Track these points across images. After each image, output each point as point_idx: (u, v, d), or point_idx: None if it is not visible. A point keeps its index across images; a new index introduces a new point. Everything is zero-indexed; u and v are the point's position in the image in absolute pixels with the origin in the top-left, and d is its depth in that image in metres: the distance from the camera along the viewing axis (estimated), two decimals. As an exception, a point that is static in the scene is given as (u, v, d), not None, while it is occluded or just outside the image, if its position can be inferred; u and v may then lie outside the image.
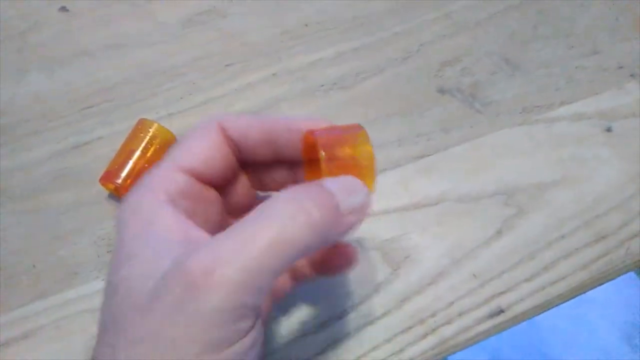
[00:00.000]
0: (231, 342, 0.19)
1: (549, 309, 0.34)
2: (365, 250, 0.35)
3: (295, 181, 0.27)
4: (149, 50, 0.43)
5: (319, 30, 0.44)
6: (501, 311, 0.33)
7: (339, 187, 0.22)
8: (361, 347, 0.32)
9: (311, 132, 0.24)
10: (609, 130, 0.39)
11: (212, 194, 0.26)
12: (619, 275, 0.36)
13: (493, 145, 0.38)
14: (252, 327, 0.20)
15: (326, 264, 0.28)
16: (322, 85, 0.41)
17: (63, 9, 0.45)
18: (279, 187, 0.28)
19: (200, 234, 0.22)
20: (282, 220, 0.20)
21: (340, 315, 0.33)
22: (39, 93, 0.41)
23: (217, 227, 0.25)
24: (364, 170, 0.24)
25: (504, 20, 0.44)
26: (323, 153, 0.23)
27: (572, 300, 0.35)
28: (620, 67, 0.42)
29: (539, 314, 0.34)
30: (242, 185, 0.28)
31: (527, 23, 0.44)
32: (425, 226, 0.36)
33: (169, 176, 0.24)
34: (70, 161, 0.38)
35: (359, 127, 0.25)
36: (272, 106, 0.40)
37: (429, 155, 0.38)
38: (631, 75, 0.42)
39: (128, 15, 0.44)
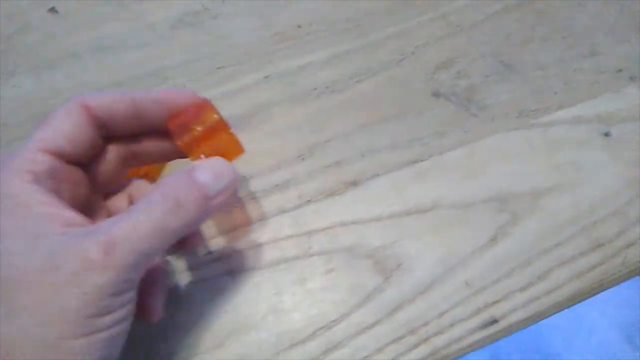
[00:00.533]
0: (116, 308, 0.23)
1: (543, 319, 0.34)
2: (357, 257, 0.34)
3: (166, 151, 0.30)
4: (138, 52, 0.42)
5: (312, 32, 0.43)
6: (495, 321, 0.32)
7: (209, 176, 0.26)
8: (352, 357, 0.31)
9: (169, 123, 0.28)
10: (607, 134, 0.38)
11: (77, 172, 0.27)
12: (615, 285, 0.35)
13: (488, 149, 0.38)
14: (133, 298, 0.24)
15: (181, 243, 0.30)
16: (315, 89, 0.40)
17: (52, 10, 0.44)
18: (152, 159, 0.30)
19: (73, 215, 0.24)
20: (164, 214, 0.24)
21: (330, 324, 0.32)
22: (26, 97, 0.40)
23: (83, 205, 0.27)
24: (222, 139, 0.28)
25: (500, 22, 0.44)
26: (180, 143, 0.27)
27: None
28: (619, 70, 0.41)
29: (533, 324, 0.33)
30: (108, 163, 0.29)
31: (524, 24, 0.43)
32: (418, 233, 0.35)
33: (32, 157, 0.24)
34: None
35: (204, 102, 0.28)
36: (264, 109, 0.39)
37: (422, 160, 0.37)
38: (630, 78, 0.41)
39: (117, 17, 0.44)
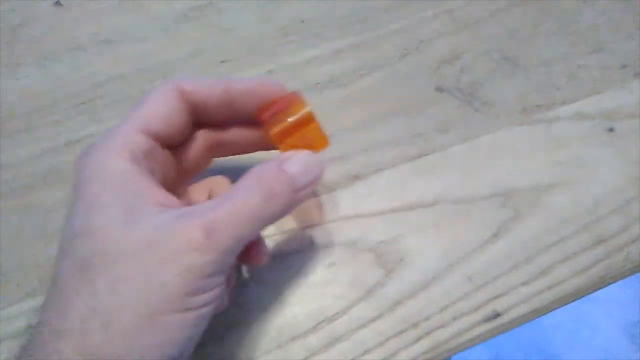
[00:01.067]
0: (210, 289, 0.23)
1: (546, 313, 0.33)
2: (359, 251, 0.34)
3: (252, 142, 0.31)
4: (142, 45, 0.42)
5: (316, 26, 0.43)
6: (497, 315, 0.32)
7: (299, 169, 0.26)
8: (353, 351, 0.31)
9: (260, 113, 0.28)
10: (611, 130, 0.38)
11: (167, 155, 0.28)
12: (617, 280, 0.35)
13: (492, 145, 0.38)
14: (224, 282, 0.25)
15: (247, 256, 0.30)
16: (318, 83, 0.40)
17: (57, 3, 0.44)
18: (237, 148, 0.31)
19: (167, 195, 0.25)
20: (259, 202, 0.24)
21: (331, 318, 0.32)
22: (30, 88, 0.40)
23: (170, 188, 0.27)
24: (311, 131, 0.28)
25: (504, 18, 0.43)
26: (271, 134, 0.27)
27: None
28: (624, 66, 0.41)
29: (535, 318, 0.33)
30: (196, 149, 0.30)
31: (528, 20, 0.43)
32: (420, 228, 0.35)
33: (130, 137, 0.25)
34: (61, 158, 0.37)
35: (294, 95, 0.28)
36: (267, 104, 0.39)
37: (426, 155, 0.37)
38: (635, 75, 0.41)
39: (121, 10, 0.44)
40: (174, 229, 0.23)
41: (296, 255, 0.34)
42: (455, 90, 0.40)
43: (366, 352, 0.32)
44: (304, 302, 0.33)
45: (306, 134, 0.28)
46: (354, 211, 0.35)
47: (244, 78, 0.28)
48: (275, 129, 0.27)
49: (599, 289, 0.35)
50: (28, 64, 0.41)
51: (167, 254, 0.22)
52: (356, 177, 0.37)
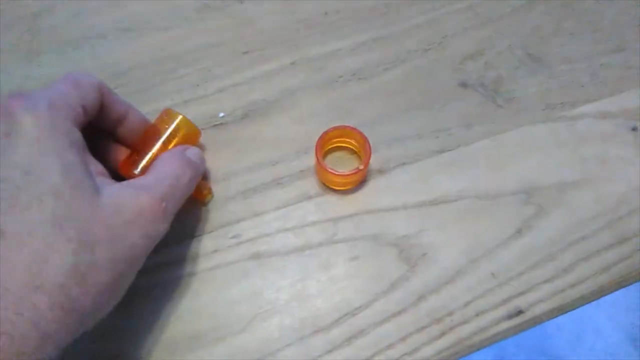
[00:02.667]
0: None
1: (568, 311, 0.33)
2: (382, 246, 0.34)
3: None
4: (163, 34, 0.42)
5: (339, 19, 0.42)
6: (520, 312, 0.32)
7: (196, 158, 0.32)
8: (375, 345, 0.31)
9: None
10: (634, 129, 0.38)
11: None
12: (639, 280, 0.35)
13: (515, 142, 0.37)
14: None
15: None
16: (341, 76, 0.40)
17: (77, -10, 0.44)
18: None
19: (102, 167, 0.30)
20: (189, 179, 0.31)
21: (354, 312, 0.32)
22: (51, 76, 0.40)
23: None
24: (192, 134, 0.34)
25: (527, 14, 0.43)
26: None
27: None
28: (647, 65, 0.41)
29: (558, 316, 0.33)
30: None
31: (551, 17, 0.43)
32: (443, 223, 0.35)
33: (75, 107, 0.27)
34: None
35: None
36: (289, 95, 0.39)
37: (449, 151, 0.37)
38: (658, 74, 0.40)
39: (143, -1, 0.43)
40: (138, 200, 0.26)
41: (319, 248, 0.34)
42: (478, 86, 0.40)
43: (389, 346, 0.31)
44: (327, 295, 0.33)
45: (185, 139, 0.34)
46: (377, 205, 0.35)
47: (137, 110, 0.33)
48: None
49: (621, 287, 0.34)
50: (49, 52, 0.41)
51: (134, 221, 0.26)
52: (379, 171, 0.36)
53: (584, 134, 0.38)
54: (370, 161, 0.34)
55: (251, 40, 0.42)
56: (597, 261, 0.34)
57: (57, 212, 0.23)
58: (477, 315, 0.32)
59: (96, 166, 0.29)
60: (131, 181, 0.29)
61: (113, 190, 0.26)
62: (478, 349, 0.32)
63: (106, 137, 0.33)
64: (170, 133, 0.33)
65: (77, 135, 0.27)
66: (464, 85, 0.40)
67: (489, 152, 0.37)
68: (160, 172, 0.29)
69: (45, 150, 0.24)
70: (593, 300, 0.34)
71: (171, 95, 0.39)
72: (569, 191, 0.36)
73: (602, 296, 0.34)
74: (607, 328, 1.21)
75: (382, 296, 0.33)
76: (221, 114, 0.38)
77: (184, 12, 0.43)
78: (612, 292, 0.34)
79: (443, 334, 0.32)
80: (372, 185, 0.36)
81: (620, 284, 0.34)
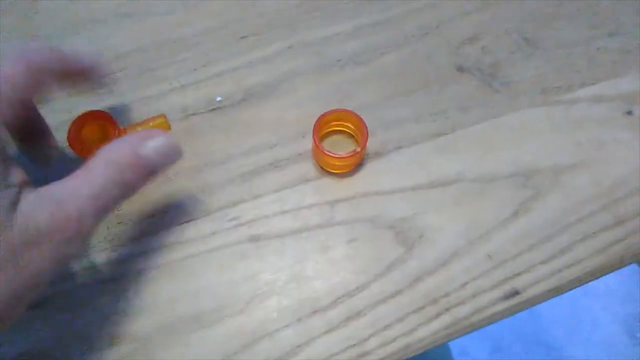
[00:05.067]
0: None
1: (564, 292, 0.34)
2: (379, 228, 0.34)
3: None
4: (161, 18, 0.42)
5: (337, 3, 0.42)
6: (516, 293, 0.33)
7: (155, 153, 0.26)
8: (372, 326, 0.32)
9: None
10: (629, 113, 0.38)
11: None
12: (636, 261, 0.35)
13: (511, 125, 0.38)
14: None
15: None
16: (339, 60, 0.40)
17: (74, -25, 0.43)
18: None
19: (23, 170, 0.25)
20: (118, 189, 0.25)
21: (351, 293, 0.32)
22: (49, 60, 0.40)
23: None
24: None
25: (525, -1, 0.43)
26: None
27: (574, 291, 0.34)
28: (643, 50, 0.41)
29: (554, 297, 0.34)
30: None
31: (548, 2, 0.43)
32: (440, 206, 0.35)
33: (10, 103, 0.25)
34: (81, 131, 0.37)
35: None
36: (287, 79, 0.39)
37: (446, 134, 0.37)
38: (654, 58, 0.41)
39: (141, -17, 0.43)
40: (51, 218, 0.23)
41: (317, 231, 0.34)
42: (475, 70, 0.40)
43: (386, 327, 0.32)
44: (325, 276, 0.33)
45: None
46: (375, 188, 0.35)
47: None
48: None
49: (618, 269, 0.35)
50: (47, 37, 0.41)
51: (42, 243, 0.22)
52: (377, 154, 0.36)
53: (580, 117, 0.38)
54: (368, 144, 0.34)
55: (250, 24, 0.42)
56: (593, 243, 0.34)
57: None
58: (473, 296, 0.32)
59: (17, 169, 0.24)
60: (51, 188, 0.24)
61: (27, 206, 0.23)
62: (474, 330, 0.33)
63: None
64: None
65: None
66: (461, 69, 0.40)
67: (486, 135, 0.37)
68: (89, 175, 0.25)
69: None
70: (589, 281, 0.34)
71: (170, 79, 0.39)
72: (566, 174, 0.36)
73: (598, 277, 0.34)
74: (604, 318, 1.22)
75: (379, 277, 0.33)
76: (218, 98, 0.38)
77: (182, -4, 0.43)
78: (608, 273, 0.34)
79: (439, 314, 0.32)
80: (369, 168, 0.36)
81: (617, 265, 0.34)
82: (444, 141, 0.37)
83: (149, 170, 0.26)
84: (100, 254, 0.33)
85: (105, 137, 0.33)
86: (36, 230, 0.22)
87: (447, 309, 0.32)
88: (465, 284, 0.33)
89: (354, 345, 0.31)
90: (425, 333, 0.32)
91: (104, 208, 0.25)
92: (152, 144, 0.26)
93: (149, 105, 0.38)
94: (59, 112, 0.37)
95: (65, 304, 0.32)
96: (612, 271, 0.34)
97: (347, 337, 0.31)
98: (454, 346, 0.96)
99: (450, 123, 0.38)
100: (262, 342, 0.31)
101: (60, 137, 0.34)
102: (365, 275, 0.33)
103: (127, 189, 0.26)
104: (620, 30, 0.42)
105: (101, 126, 0.33)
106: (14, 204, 0.22)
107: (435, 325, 0.32)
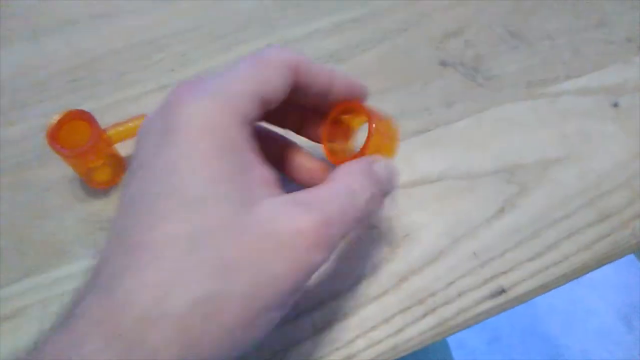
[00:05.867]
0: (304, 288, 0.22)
1: (551, 289, 0.33)
2: (363, 227, 0.34)
3: (299, 127, 0.30)
4: (135, 19, 0.41)
5: (315, 0, 0.42)
6: (503, 291, 0.32)
7: (387, 174, 0.26)
8: (359, 327, 0.31)
9: (360, 105, 0.27)
10: (615, 105, 0.38)
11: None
12: (623, 256, 0.35)
13: (496, 120, 0.37)
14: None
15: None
16: (319, 58, 0.39)
17: (49, -24, 0.43)
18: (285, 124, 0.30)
19: (271, 172, 0.24)
20: (367, 199, 0.24)
21: (337, 293, 0.32)
22: (23, 64, 0.39)
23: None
24: (392, 142, 0.28)
25: (508, -10, 0.43)
26: (374, 126, 0.26)
27: (571, 281, 0.34)
28: (629, 41, 0.40)
29: (541, 294, 0.33)
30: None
31: (532, -7, 0.42)
32: (425, 204, 0.34)
33: (245, 99, 0.22)
34: (56, 135, 0.37)
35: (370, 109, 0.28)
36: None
37: (430, 130, 0.37)
38: (639, 49, 0.40)
39: (115, -17, 0.43)
40: (293, 220, 0.21)
41: (299, 232, 0.34)
42: (459, 65, 0.39)
43: (372, 328, 0.31)
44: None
45: (392, 142, 0.28)
46: (358, 187, 0.35)
47: (346, 74, 0.27)
48: (376, 124, 0.26)
49: (605, 264, 0.34)
50: (20, 39, 0.40)
51: (280, 245, 0.20)
52: (359, 153, 0.36)
53: (565, 110, 0.38)
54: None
55: (226, 23, 0.41)
56: (580, 239, 0.34)
57: (193, 228, 0.20)
58: (459, 295, 0.32)
59: (262, 172, 0.23)
60: (297, 195, 0.22)
61: (268, 207, 0.21)
62: (461, 329, 0.32)
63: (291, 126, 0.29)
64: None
65: (239, 134, 0.22)
66: (443, 64, 0.39)
67: (470, 131, 0.37)
68: (332, 187, 0.23)
69: (194, 154, 0.20)
70: (576, 278, 0.34)
71: (146, 81, 0.38)
72: (551, 168, 0.36)
73: (585, 274, 0.34)
74: (599, 308, 1.22)
75: (363, 278, 0.32)
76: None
77: (158, -4, 0.42)
78: (595, 269, 0.34)
79: (426, 314, 0.32)
80: (352, 167, 0.36)
81: (604, 260, 0.34)
82: (428, 138, 0.36)
83: (380, 189, 0.25)
84: (82, 261, 0.32)
85: (85, 137, 0.32)
86: (277, 233, 0.20)
87: (434, 309, 0.32)
88: (451, 283, 0.32)
89: (341, 347, 0.31)
90: (413, 333, 0.31)
91: (351, 220, 0.23)
92: (382, 163, 0.26)
93: (127, 107, 0.37)
94: (37, 117, 0.36)
95: (42, 314, 0.31)
96: (599, 267, 0.34)
97: (333, 339, 0.31)
98: (451, 338, 0.96)
99: (433, 119, 0.37)
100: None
101: (37, 142, 0.34)
102: (351, 276, 0.32)
103: (365, 207, 0.24)
104: (605, 22, 0.41)
105: (81, 126, 0.32)
106: (248, 203, 0.21)
107: (422, 325, 0.31)
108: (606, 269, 0.35)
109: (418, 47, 0.40)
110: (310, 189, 0.23)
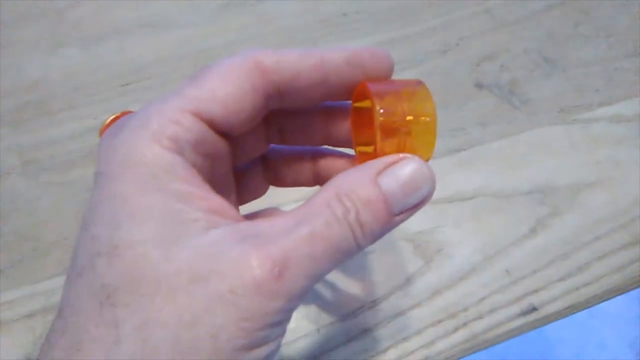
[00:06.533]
0: (271, 341, 0.18)
1: (581, 310, 0.34)
2: (398, 240, 0.34)
3: (328, 136, 0.23)
4: (184, 31, 0.42)
5: (357, 20, 0.43)
6: (534, 309, 0.33)
7: (400, 186, 0.18)
8: (391, 338, 0.32)
9: (365, 85, 0.20)
10: (647, 133, 0.39)
11: (224, 146, 0.20)
12: (653, 280, 0.35)
13: (530, 143, 0.38)
14: (285, 328, 0.19)
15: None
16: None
17: (100, -14, 0.44)
18: (306, 140, 0.24)
19: (217, 200, 0.19)
20: (344, 229, 0.18)
21: (371, 304, 0.33)
22: (74, 69, 0.40)
23: (220, 184, 0.21)
24: (423, 134, 0.20)
25: (543, 18, 0.44)
26: (381, 119, 0.19)
27: (583, 313, 0.34)
28: (661, 71, 0.41)
29: (571, 314, 0.34)
30: (255, 135, 0.23)
31: (567, 21, 0.44)
32: (459, 220, 0.35)
33: (175, 118, 0.18)
34: (103, 138, 0.38)
35: (418, 82, 0.21)
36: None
37: (465, 150, 0.38)
38: (671, 80, 0.41)
39: (165, -5, 0.44)
40: (234, 258, 0.17)
41: (336, 242, 0.34)
42: (494, 87, 0.40)
43: (404, 339, 0.32)
44: (343, 287, 0.33)
45: (418, 135, 0.20)
46: (393, 201, 0.36)
47: (343, 47, 0.20)
48: (384, 115, 0.19)
49: (634, 288, 0.35)
50: (71, 45, 0.42)
51: (220, 293, 0.16)
52: (396, 168, 0.37)
53: (598, 136, 0.38)
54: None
55: (271, 38, 0.42)
56: (611, 261, 0.34)
57: (106, 280, 0.17)
58: (491, 311, 0.33)
59: (207, 201, 0.18)
60: (255, 223, 0.18)
61: (204, 243, 0.17)
62: (492, 345, 0.33)
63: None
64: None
65: (170, 165, 0.18)
66: (480, 86, 0.40)
67: (505, 152, 0.38)
68: (308, 210, 0.18)
69: (115, 192, 0.17)
70: (606, 300, 0.34)
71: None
72: (584, 192, 0.36)
73: (614, 296, 0.34)
74: (611, 340, 1.21)
75: (397, 290, 0.33)
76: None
77: (205, 10, 0.44)
78: (625, 292, 0.34)
79: (457, 328, 0.32)
80: (388, 181, 0.36)
81: (634, 284, 0.34)
82: (463, 157, 0.37)
83: (389, 211, 0.18)
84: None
85: None
86: (215, 276, 0.16)
87: (465, 324, 0.32)
88: (483, 299, 0.33)
89: (372, 356, 0.31)
90: (444, 347, 0.32)
91: (320, 259, 0.17)
92: (397, 172, 0.19)
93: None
94: (85, 118, 0.37)
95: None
96: (628, 290, 0.34)
97: (365, 349, 0.31)
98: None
99: (469, 139, 0.38)
100: (279, 352, 0.31)
101: (85, 143, 0.35)
102: (384, 287, 0.33)
103: (366, 239, 0.18)
104: (638, 51, 0.42)
105: None
106: (177, 241, 0.17)
107: (454, 339, 0.32)
108: (619, 301, 0.35)
109: (455, 69, 0.41)
110: (277, 217, 0.18)
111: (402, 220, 0.19)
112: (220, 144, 0.20)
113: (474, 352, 0.32)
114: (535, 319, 0.33)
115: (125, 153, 0.18)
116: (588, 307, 0.34)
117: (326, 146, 0.24)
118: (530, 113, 0.39)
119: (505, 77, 0.41)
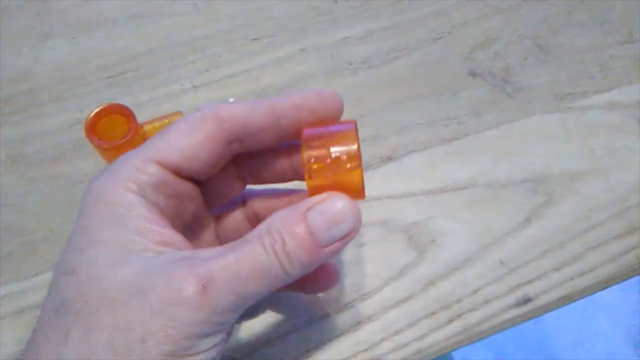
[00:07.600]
0: (201, 351, 0.20)
1: (576, 300, 0.33)
2: (391, 232, 0.34)
3: (285, 171, 0.26)
4: (173, 20, 0.42)
5: (349, 7, 0.43)
6: (528, 300, 0.32)
7: (325, 220, 0.21)
8: (384, 330, 0.31)
9: (300, 131, 0.23)
10: (642, 121, 0.38)
11: (190, 188, 0.24)
12: (649, 269, 0.35)
13: (524, 131, 0.38)
14: (223, 340, 0.21)
15: (304, 282, 0.28)
16: (351, 64, 0.40)
17: (86, -24, 0.44)
18: (270, 177, 0.27)
19: (171, 234, 0.22)
20: (270, 257, 0.20)
21: (363, 297, 0.32)
22: (61, 60, 0.40)
23: (191, 221, 0.25)
24: (350, 173, 0.22)
25: (537, 5, 0.43)
26: (309, 163, 0.22)
27: (579, 301, 0.34)
28: (656, 58, 0.41)
29: (566, 304, 0.33)
30: (228, 177, 0.26)
31: (561, 8, 0.43)
32: (452, 211, 0.35)
33: (140, 167, 0.22)
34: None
35: (349, 124, 0.23)
36: (299, 82, 0.39)
37: (458, 139, 0.37)
38: (667, 66, 0.41)
39: (153, -16, 0.44)
40: (167, 275, 0.20)
41: (328, 234, 0.34)
42: (488, 76, 0.40)
43: (397, 332, 0.31)
44: (336, 280, 0.33)
45: (345, 177, 0.22)
46: (386, 192, 0.35)
47: (291, 92, 0.24)
48: (313, 159, 0.22)
49: (630, 277, 0.34)
50: (58, 36, 0.41)
51: (152, 304, 0.19)
52: (388, 158, 0.36)
53: (592, 124, 0.38)
54: (380, 149, 0.34)
55: (261, 27, 0.42)
56: (606, 250, 0.34)
57: (64, 294, 0.20)
58: (485, 302, 0.32)
59: (160, 234, 0.22)
60: (188, 252, 0.22)
61: (146, 264, 0.20)
62: (486, 336, 0.32)
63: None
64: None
65: (131, 203, 0.21)
66: (473, 74, 0.40)
67: (498, 140, 0.37)
68: (240, 242, 0.21)
69: (84, 225, 0.21)
70: (601, 289, 0.34)
71: (181, 80, 0.39)
72: (578, 181, 0.36)
73: (610, 285, 0.34)
74: (607, 330, 1.21)
75: (391, 282, 0.33)
76: (231, 99, 0.38)
77: (194, -2, 0.43)
78: (620, 281, 0.34)
79: (451, 320, 0.32)
80: (381, 172, 0.36)
81: (629, 273, 0.34)
82: (456, 146, 0.37)
83: (316, 242, 0.21)
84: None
85: (122, 131, 0.33)
86: (148, 291, 0.19)
87: (459, 315, 0.32)
88: (477, 290, 0.33)
89: (365, 349, 0.31)
90: (437, 339, 0.31)
91: (246, 281, 0.20)
92: (322, 208, 0.21)
93: (161, 105, 0.38)
94: (72, 111, 0.37)
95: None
96: (624, 280, 0.34)
97: (358, 342, 0.31)
98: (457, 354, 0.95)
99: (462, 128, 0.37)
100: (270, 347, 0.31)
101: (73, 136, 0.35)
102: (378, 279, 0.33)
103: (293, 266, 0.21)
104: (632, 38, 0.42)
105: (119, 120, 0.33)
106: (134, 260, 0.20)
107: (447, 331, 0.32)
108: (616, 291, 0.35)
109: (448, 57, 0.40)
110: (216, 248, 0.22)
111: (333, 252, 0.22)
112: (185, 186, 0.24)
113: (469, 344, 0.32)
114: (530, 310, 0.32)
115: (97, 194, 0.22)
116: (583, 297, 0.33)
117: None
118: (524, 101, 0.39)
119: (499, 65, 0.40)
